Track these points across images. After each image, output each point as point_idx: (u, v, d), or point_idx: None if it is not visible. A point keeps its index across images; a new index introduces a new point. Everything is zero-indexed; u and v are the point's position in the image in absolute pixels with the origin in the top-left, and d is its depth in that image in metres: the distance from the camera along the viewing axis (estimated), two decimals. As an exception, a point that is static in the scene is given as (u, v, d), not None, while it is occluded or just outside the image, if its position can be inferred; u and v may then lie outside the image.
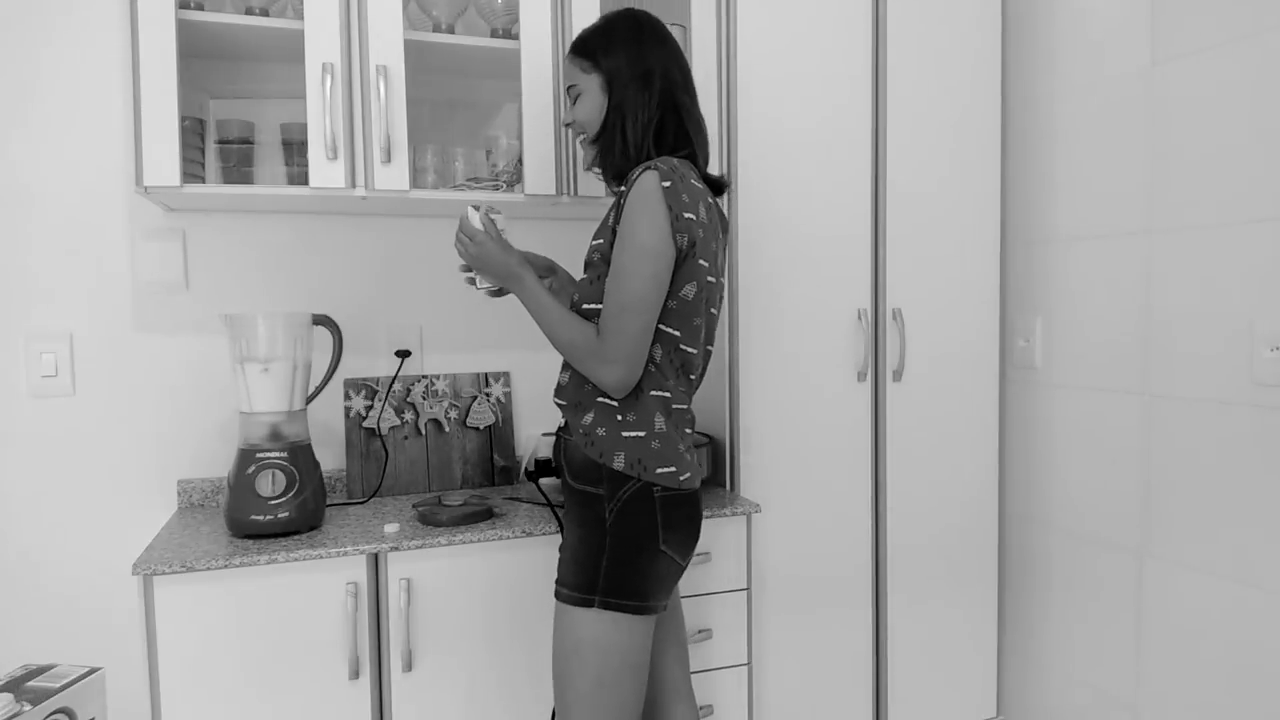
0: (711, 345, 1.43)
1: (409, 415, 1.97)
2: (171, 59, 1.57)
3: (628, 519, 1.29)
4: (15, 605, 1.78)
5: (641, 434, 1.30)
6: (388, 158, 1.67)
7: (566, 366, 1.38)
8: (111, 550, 1.83)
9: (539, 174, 1.78)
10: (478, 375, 2.04)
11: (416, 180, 1.85)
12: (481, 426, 2.02)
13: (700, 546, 1.74)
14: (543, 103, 1.78)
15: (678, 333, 1.32)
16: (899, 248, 1.99)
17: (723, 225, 1.42)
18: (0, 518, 1.77)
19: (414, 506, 1.71)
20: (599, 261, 1.32)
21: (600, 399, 1.32)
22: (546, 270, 1.54)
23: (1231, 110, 1.61)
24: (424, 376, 1.99)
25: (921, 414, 2.03)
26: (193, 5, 1.66)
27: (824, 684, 1.99)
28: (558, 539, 1.65)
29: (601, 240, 1.32)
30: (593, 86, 1.37)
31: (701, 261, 1.31)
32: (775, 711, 1.95)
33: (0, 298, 1.77)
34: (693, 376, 1.38)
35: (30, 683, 0.80)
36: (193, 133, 1.73)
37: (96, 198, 1.81)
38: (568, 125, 1.43)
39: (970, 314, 2.06)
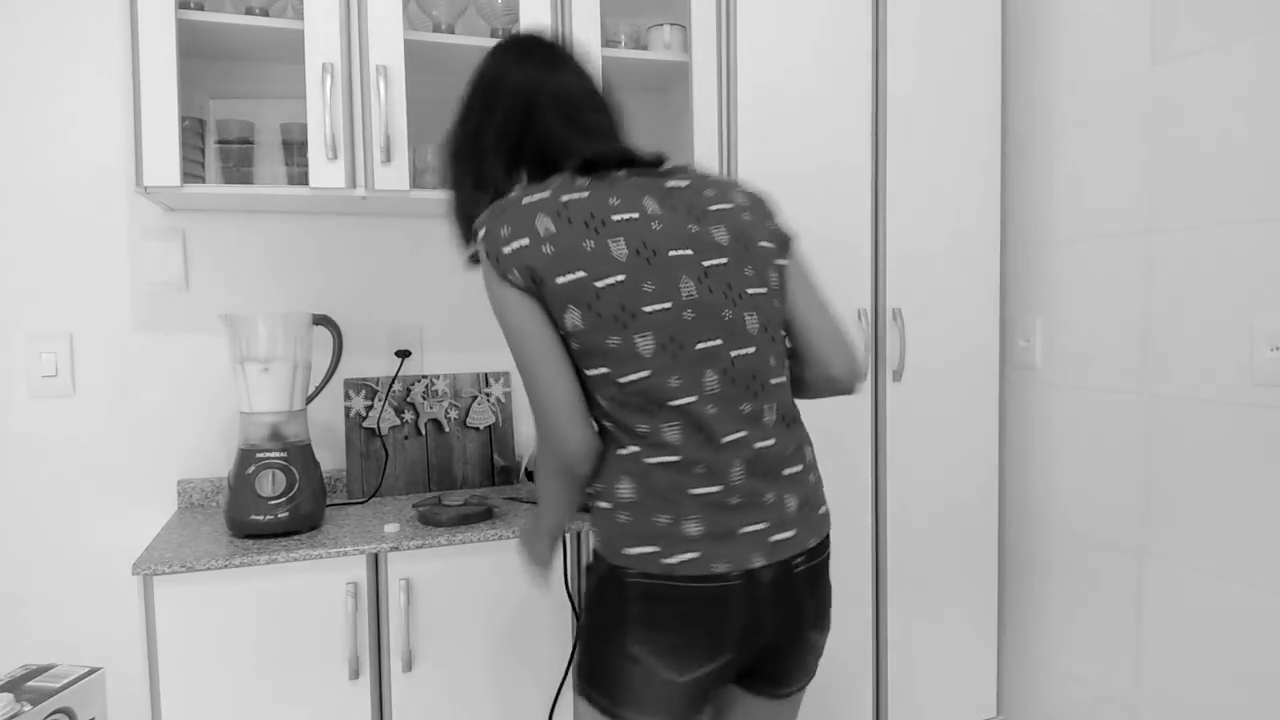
0: (693, 337, 1.04)
1: (409, 415, 1.97)
2: (171, 59, 1.57)
3: (594, 600, 1.07)
4: (15, 605, 1.78)
5: (607, 506, 1.06)
6: (388, 158, 1.67)
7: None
8: (111, 550, 1.83)
9: (539, 174, 1.78)
10: (478, 375, 2.04)
11: (416, 180, 1.85)
12: (481, 426, 2.02)
13: (700, 546, 1.73)
14: (543, 103, 1.78)
15: (603, 369, 1.04)
16: (899, 248, 1.99)
17: (660, 193, 1.09)
18: (0, 517, 1.77)
19: (414, 506, 1.71)
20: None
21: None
22: None
23: (1231, 110, 1.61)
24: (424, 376, 1.99)
25: (921, 414, 2.03)
26: (193, 5, 1.66)
27: (824, 683, 1.99)
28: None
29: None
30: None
31: (564, 277, 1.01)
32: (775, 711, 1.95)
33: (0, 298, 1.77)
34: (675, 402, 1.03)
35: (30, 683, 0.80)
36: (193, 133, 1.73)
37: (96, 198, 1.81)
38: None
39: (970, 314, 2.06)
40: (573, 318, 1.02)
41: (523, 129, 1.12)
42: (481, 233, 1.05)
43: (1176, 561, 1.74)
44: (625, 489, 1.04)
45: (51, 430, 1.79)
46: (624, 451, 1.05)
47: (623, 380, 1.03)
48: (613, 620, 1.03)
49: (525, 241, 1.02)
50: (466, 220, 1.15)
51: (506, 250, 1.02)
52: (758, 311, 1.08)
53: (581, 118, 1.13)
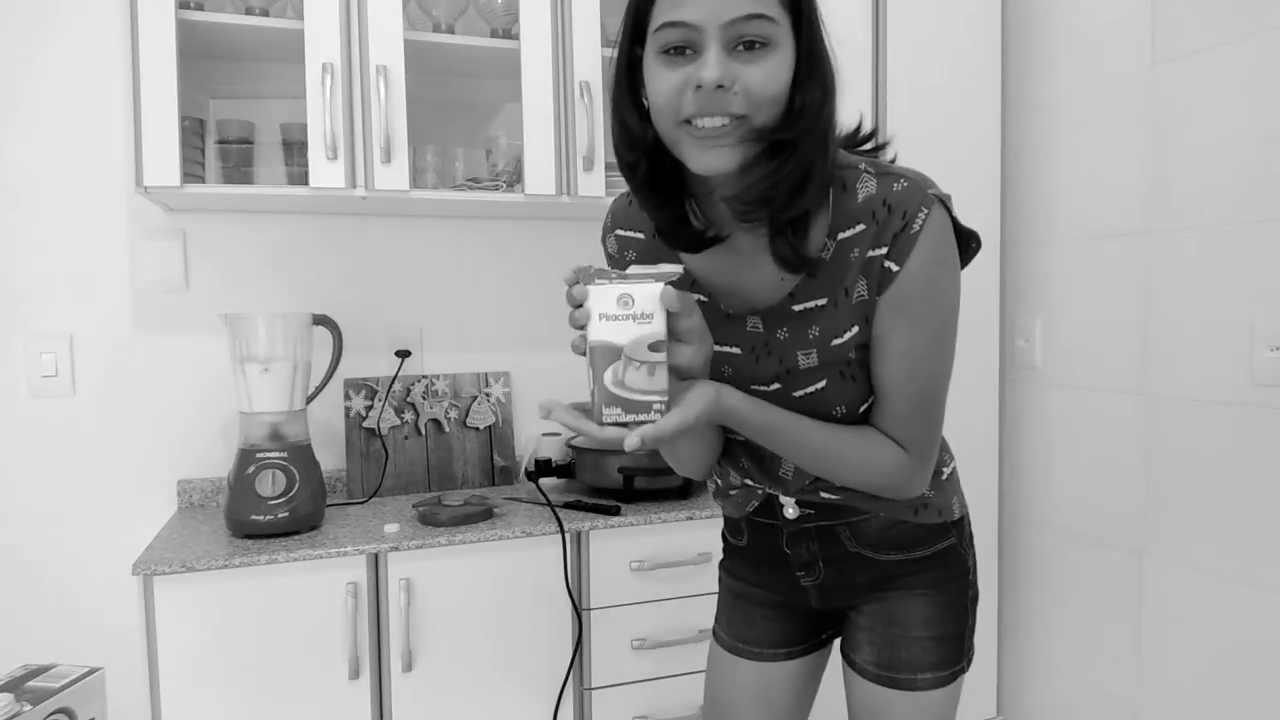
0: None
1: (409, 415, 1.97)
2: (171, 59, 1.57)
3: (973, 562, 1.09)
4: (15, 605, 1.78)
5: (949, 474, 1.07)
6: (388, 158, 1.67)
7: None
8: (111, 550, 1.83)
9: (539, 174, 1.78)
10: (478, 375, 2.04)
11: (416, 180, 1.85)
12: (481, 426, 2.02)
13: (700, 547, 1.74)
14: (543, 103, 1.78)
15: None
16: (899, 248, 1.99)
17: None
18: (0, 517, 1.77)
19: (414, 506, 1.71)
20: (849, 361, 0.92)
21: None
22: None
23: (1231, 110, 1.61)
24: (424, 376, 1.99)
25: (921, 414, 2.02)
26: (193, 5, 1.66)
27: (823, 684, 1.99)
28: (558, 539, 1.65)
29: (855, 330, 0.91)
30: (786, 41, 0.83)
31: None
32: (775, 711, 1.95)
33: (0, 298, 1.77)
34: None
35: (30, 683, 0.80)
36: (193, 133, 1.73)
37: (96, 198, 1.81)
38: (720, 87, 0.81)
39: (970, 314, 2.06)
40: None
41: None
42: (954, 216, 0.89)
43: (1176, 561, 1.74)
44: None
45: (51, 431, 1.79)
46: None
47: None
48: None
49: None
50: (821, 177, 0.88)
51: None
52: None
53: None
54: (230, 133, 1.81)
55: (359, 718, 1.55)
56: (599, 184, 1.82)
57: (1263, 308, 1.56)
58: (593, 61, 1.80)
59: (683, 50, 0.82)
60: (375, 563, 1.56)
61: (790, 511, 1.04)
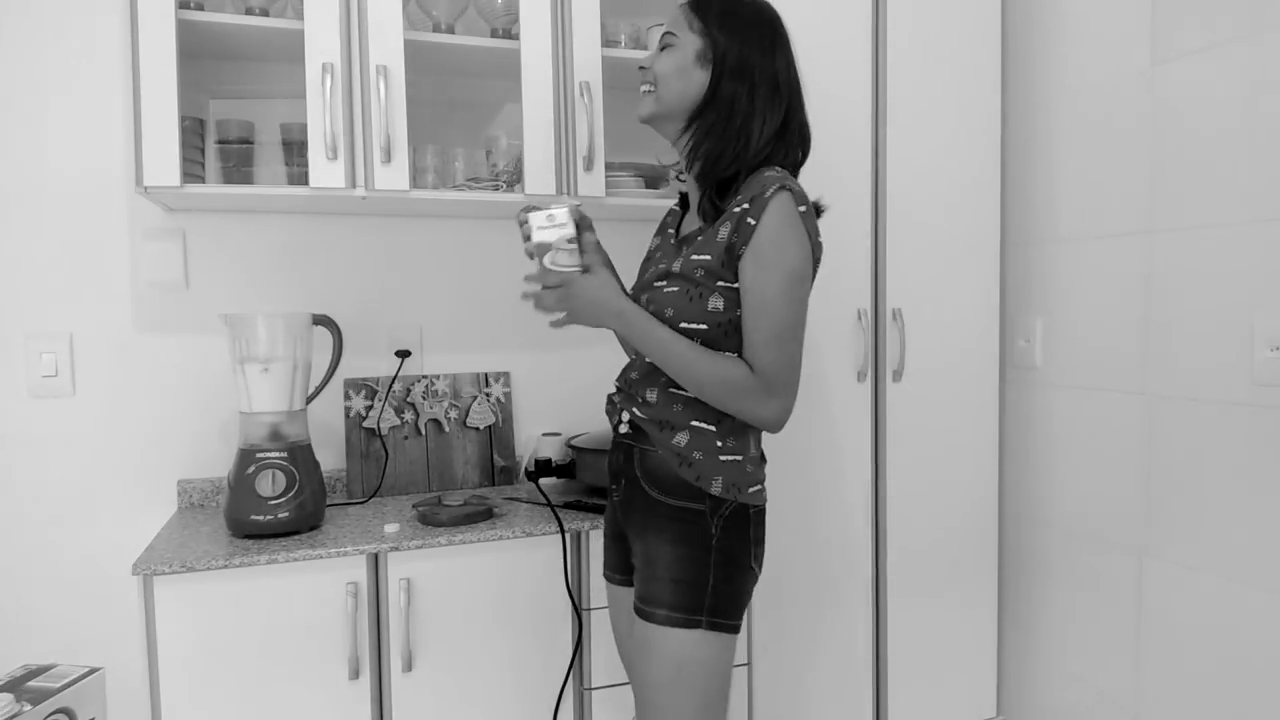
0: None
1: (409, 415, 1.97)
2: (171, 59, 1.57)
3: (729, 537, 1.26)
4: (15, 605, 1.78)
5: (739, 458, 1.27)
6: (388, 158, 1.67)
7: (653, 384, 1.31)
8: (111, 550, 1.83)
9: (539, 174, 1.78)
10: (478, 375, 2.04)
11: (416, 180, 1.85)
12: (481, 426, 2.02)
13: (700, 546, 1.74)
14: (543, 103, 1.78)
15: None
16: (899, 248, 1.99)
17: None
18: (0, 518, 1.77)
19: (414, 506, 1.71)
20: (702, 278, 1.24)
21: (695, 422, 1.27)
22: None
23: (1231, 110, 1.61)
24: (424, 376, 1.99)
25: (921, 414, 2.03)
26: (193, 5, 1.66)
27: (824, 684, 1.99)
28: (558, 539, 1.65)
29: (709, 256, 1.24)
30: (689, 51, 1.27)
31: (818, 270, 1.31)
32: (775, 712, 1.95)
33: (0, 298, 1.77)
34: None
35: (30, 683, 0.80)
36: (193, 133, 1.73)
37: (96, 198, 1.81)
38: (642, 69, 1.32)
39: (970, 314, 2.06)
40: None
41: (789, 114, 1.30)
42: (803, 209, 1.21)
43: (1176, 561, 1.74)
44: (754, 446, 1.31)
45: (51, 430, 1.79)
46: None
47: None
48: (741, 547, 1.27)
49: (820, 240, 1.27)
50: (731, 161, 1.27)
51: (818, 240, 1.26)
52: None
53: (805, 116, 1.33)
54: (230, 133, 1.81)
55: (359, 718, 1.55)
56: (599, 184, 1.82)
57: (1263, 308, 1.56)
58: (593, 61, 1.80)
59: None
60: (375, 563, 1.56)
61: (622, 428, 1.34)
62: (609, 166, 1.92)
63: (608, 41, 1.91)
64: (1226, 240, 1.62)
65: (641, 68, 1.32)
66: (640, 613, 1.28)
